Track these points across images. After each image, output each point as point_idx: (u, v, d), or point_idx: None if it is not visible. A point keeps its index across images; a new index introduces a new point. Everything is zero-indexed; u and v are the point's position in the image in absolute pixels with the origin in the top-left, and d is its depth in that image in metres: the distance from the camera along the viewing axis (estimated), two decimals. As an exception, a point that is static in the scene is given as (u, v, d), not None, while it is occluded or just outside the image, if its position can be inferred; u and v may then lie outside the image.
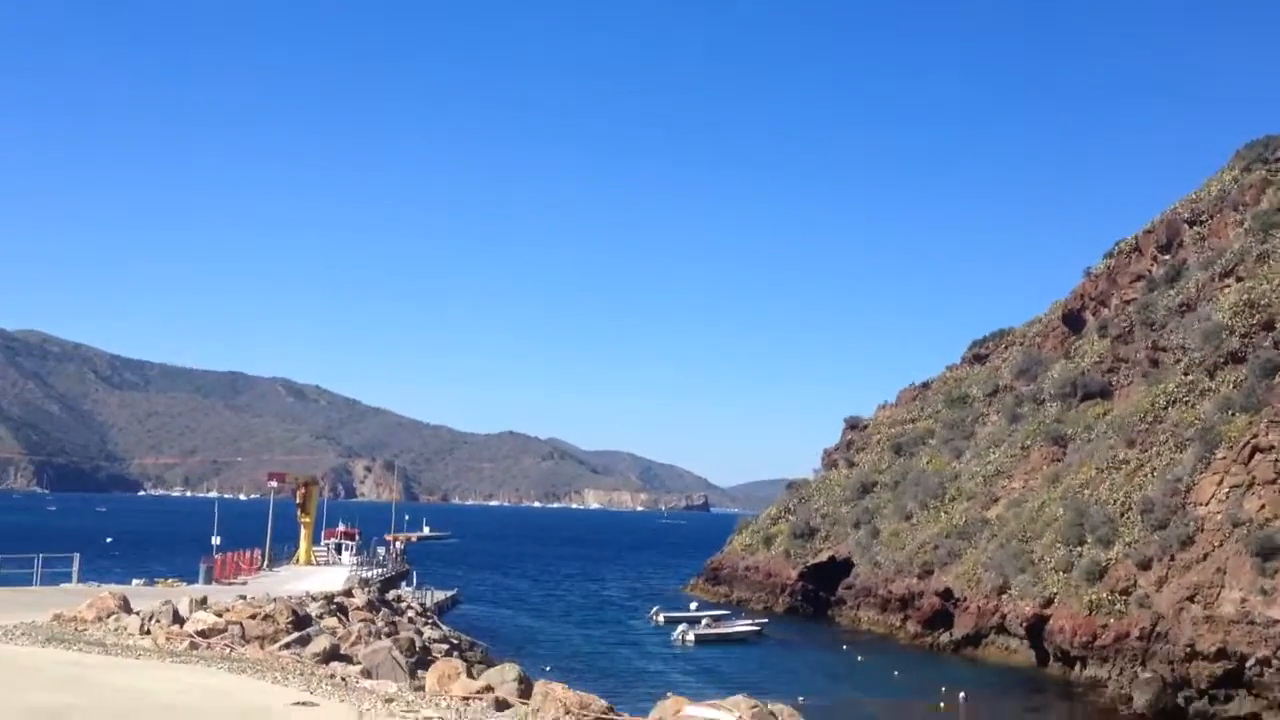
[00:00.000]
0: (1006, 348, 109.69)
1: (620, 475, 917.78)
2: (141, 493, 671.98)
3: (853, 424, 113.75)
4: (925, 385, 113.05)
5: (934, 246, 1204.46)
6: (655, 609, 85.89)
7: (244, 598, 35.98)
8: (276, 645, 20.15)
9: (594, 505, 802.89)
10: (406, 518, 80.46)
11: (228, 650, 19.10)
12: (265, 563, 65.59)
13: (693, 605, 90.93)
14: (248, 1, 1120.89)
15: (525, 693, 20.59)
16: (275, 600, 36.04)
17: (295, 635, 21.31)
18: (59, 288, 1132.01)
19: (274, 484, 71.62)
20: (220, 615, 25.87)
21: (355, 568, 69.73)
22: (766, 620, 78.78)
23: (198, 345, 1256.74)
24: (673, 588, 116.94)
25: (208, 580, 53.88)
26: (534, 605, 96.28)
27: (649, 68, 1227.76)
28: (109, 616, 22.27)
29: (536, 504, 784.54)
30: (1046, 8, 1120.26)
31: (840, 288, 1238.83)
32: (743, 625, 75.52)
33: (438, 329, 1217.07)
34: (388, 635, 34.04)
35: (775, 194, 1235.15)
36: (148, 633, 20.09)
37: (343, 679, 19.30)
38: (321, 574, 64.74)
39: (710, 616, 78.40)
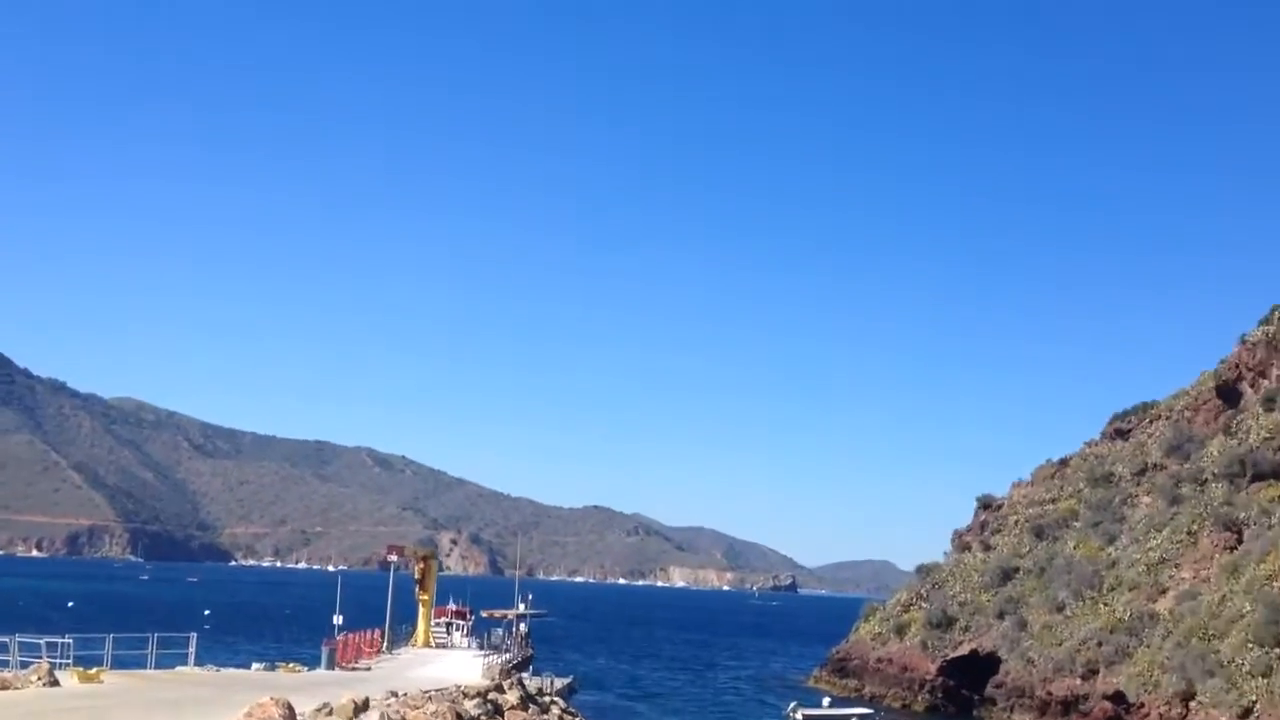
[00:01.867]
0: (1151, 422, 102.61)
1: (705, 553, 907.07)
2: (233, 562, 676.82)
3: (985, 503, 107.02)
4: (1064, 462, 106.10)
5: (1059, 314, 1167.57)
6: (793, 705, 79.59)
7: (396, 694, 31.23)
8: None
9: (679, 583, 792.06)
10: (530, 596, 75.48)
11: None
12: (385, 644, 60.90)
13: (825, 701, 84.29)
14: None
15: None
16: (430, 698, 31.25)
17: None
18: (153, 356, 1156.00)
19: (393, 558, 66.82)
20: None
21: (483, 653, 64.92)
22: (871, 712, 72.16)
23: (286, 413, 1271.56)
24: (794, 678, 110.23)
25: (330, 665, 49.34)
26: (654, 693, 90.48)
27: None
28: (277, 734, 17.53)
29: (621, 580, 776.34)
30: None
31: (934, 359, 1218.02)
32: (853, 709, 69.13)
33: (521, 400, 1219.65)
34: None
35: (848, 256, 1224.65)
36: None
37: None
38: (446, 658, 59.98)
39: (857, 717, 72.25)
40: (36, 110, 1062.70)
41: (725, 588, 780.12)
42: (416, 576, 67.13)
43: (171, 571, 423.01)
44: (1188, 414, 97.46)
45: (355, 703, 22.66)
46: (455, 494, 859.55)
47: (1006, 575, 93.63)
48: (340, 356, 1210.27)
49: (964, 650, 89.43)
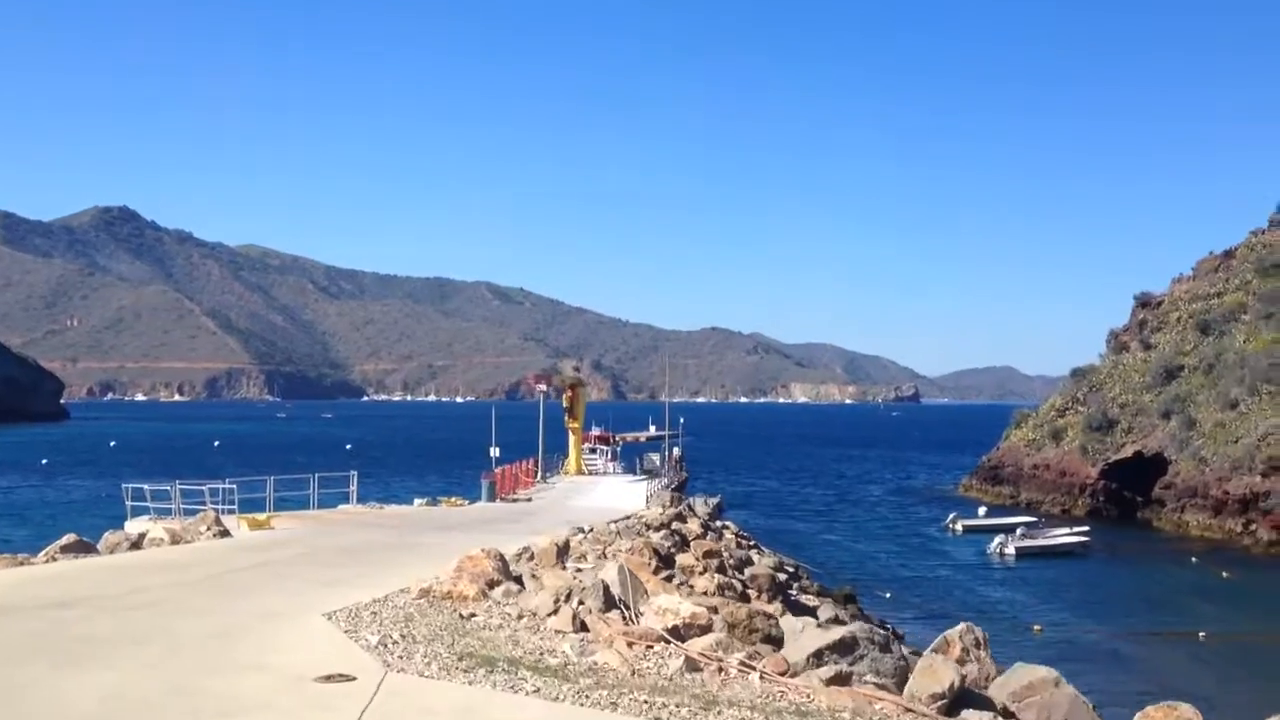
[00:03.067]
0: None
1: (825, 368, 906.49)
2: (364, 398, 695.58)
3: (1144, 301, 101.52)
4: (1228, 254, 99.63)
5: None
6: (952, 516, 77.37)
7: (584, 530, 29.18)
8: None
9: (801, 399, 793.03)
10: (673, 425, 72.68)
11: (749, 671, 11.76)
12: (540, 474, 59.63)
13: (981, 510, 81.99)
14: None
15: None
16: (619, 533, 29.18)
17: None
18: (275, 203, 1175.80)
19: (542, 387, 65.17)
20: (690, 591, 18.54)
21: (636, 477, 63.59)
22: (1088, 528, 69.22)
23: (406, 252, 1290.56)
24: (942, 487, 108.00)
25: (490, 497, 48.03)
26: (798, 510, 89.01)
27: None
28: (493, 588, 15.22)
29: (743, 399, 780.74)
30: None
31: (1053, 155, 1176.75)
32: (1064, 535, 66.27)
33: (631, 229, 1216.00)
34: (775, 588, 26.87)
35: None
36: (583, 628, 12.87)
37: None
38: (601, 486, 58.56)
39: (1023, 525, 69.62)
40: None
41: (847, 401, 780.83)
42: (565, 404, 65.39)
43: (308, 409, 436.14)
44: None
45: (557, 545, 20.44)
46: (574, 323, 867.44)
47: (1170, 374, 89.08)
48: (455, 195, 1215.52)
49: (1127, 452, 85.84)
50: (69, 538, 24.10)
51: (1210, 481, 73.55)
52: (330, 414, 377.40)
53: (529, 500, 48.99)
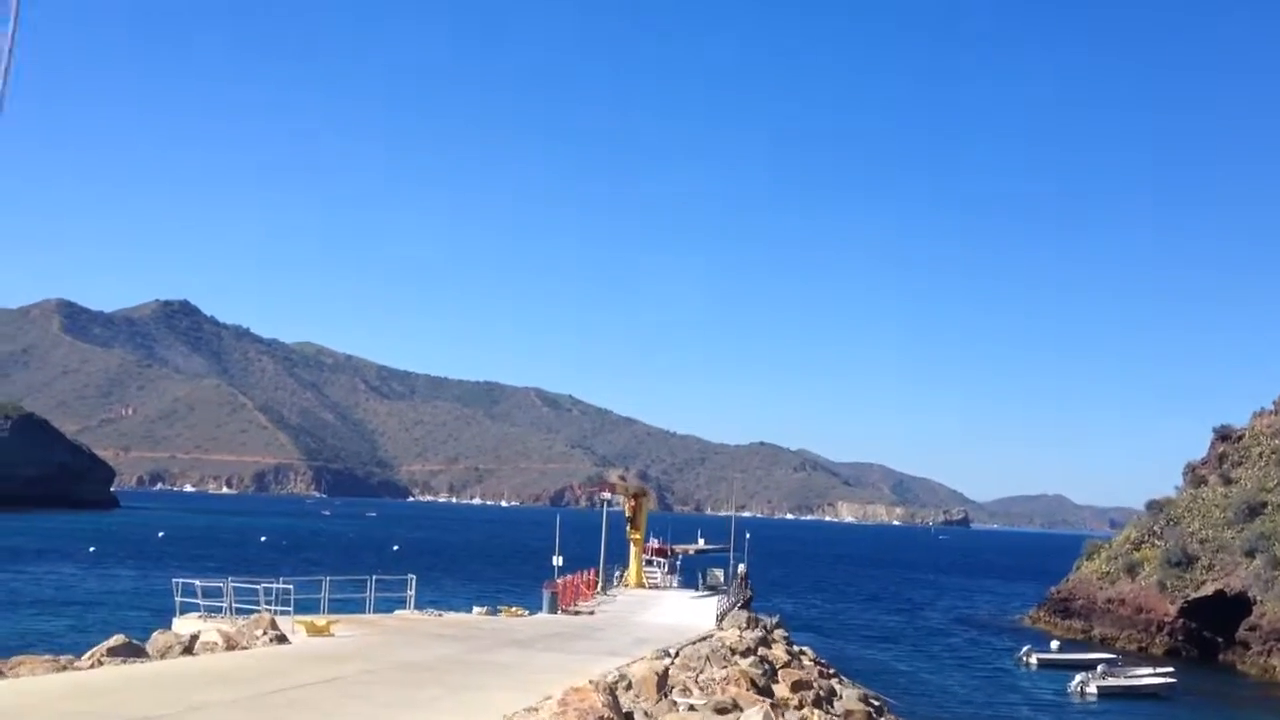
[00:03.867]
0: None
1: (872, 487, 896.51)
2: (410, 498, 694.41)
3: (1224, 434, 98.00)
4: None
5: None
6: (1026, 649, 73.65)
7: (669, 653, 26.84)
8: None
9: (848, 519, 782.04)
10: (734, 539, 68.86)
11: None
12: (600, 585, 57.10)
13: (1054, 644, 78.10)
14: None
15: None
16: (708, 659, 26.79)
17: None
18: (331, 303, 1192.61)
19: (606, 495, 62.69)
20: None
21: (700, 593, 60.87)
22: (1172, 669, 65.31)
23: (457, 356, 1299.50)
24: (1010, 617, 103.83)
25: (552, 609, 45.63)
26: (863, 633, 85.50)
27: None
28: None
29: (789, 515, 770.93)
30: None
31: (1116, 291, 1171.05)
32: (1149, 675, 62.47)
33: (684, 339, 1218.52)
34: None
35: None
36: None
37: None
38: (665, 600, 55.97)
39: (1102, 662, 65.95)
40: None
41: (895, 523, 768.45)
42: (628, 514, 62.97)
43: (354, 506, 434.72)
44: None
45: (656, 674, 18.20)
46: (622, 432, 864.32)
47: (1254, 510, 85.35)
48: (508, 300, 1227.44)
49: (1208, 590, 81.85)
50: (117, 639, 22.19)
51: (1304, 626, 69.56)
52: (374, 512, 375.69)
53: (591, 614, 46.58)
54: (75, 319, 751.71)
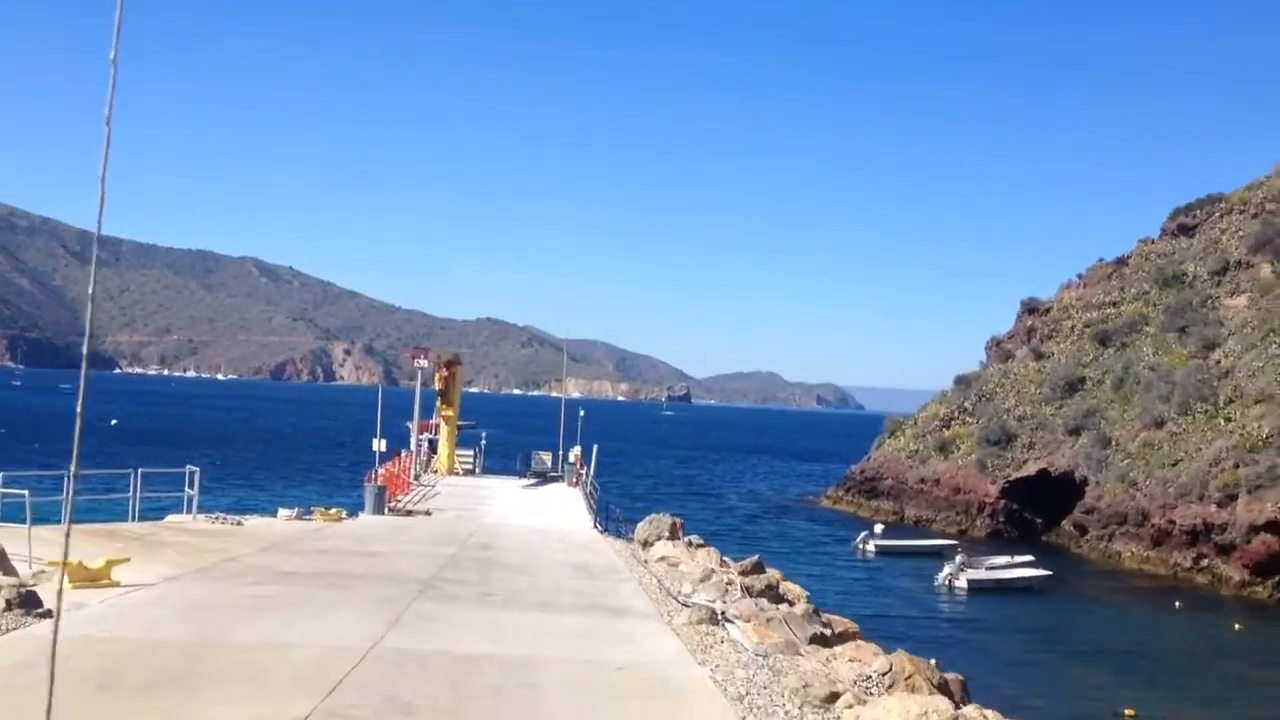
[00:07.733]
0: (1222, 216, 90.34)
1: (597, 364, 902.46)
2: (117, 370, 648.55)
3: (1031, 307, 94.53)
4: (1121, 261, 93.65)
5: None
6: (862, 536, 67.27)
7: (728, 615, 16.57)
8: None
9: (574, 394, 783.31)
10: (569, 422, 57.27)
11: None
12: (413, 474, 45.72)
13: (877, 527, 72.15)
14: None
15: None
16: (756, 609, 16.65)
17: None
18: (27, 161, 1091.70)
19: (421, 362, 50.21)
20: None
21: (530, 481, 50.66)
22: (1032, 557, 59.69)
23: (168, 222, 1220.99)
24: (803, 498, 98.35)
25: (378, 508, 34.40)
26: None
27: None
28: None
29: (516, 391, 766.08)
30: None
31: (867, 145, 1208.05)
32: (1024, 568, 56.57)
33: (409, 212, 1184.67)
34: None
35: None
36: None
37: None
38: (502, 491, 45.49)
39: (948, 549, 60.39)
40: None
41: (620, 398, 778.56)
42: (439, 388, 51.38)
43: (49, 379, 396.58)
44: (1269, 205, 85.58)
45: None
46: (346, 305, 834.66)
47: (1072, 386, 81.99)
48: (222, 166, 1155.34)
49: (1030, 470, 78.11)
50: None
51: (1149, 509, 65.65)
52: (69, 384, 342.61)
53: (427, 514, 35.56)
54: None
